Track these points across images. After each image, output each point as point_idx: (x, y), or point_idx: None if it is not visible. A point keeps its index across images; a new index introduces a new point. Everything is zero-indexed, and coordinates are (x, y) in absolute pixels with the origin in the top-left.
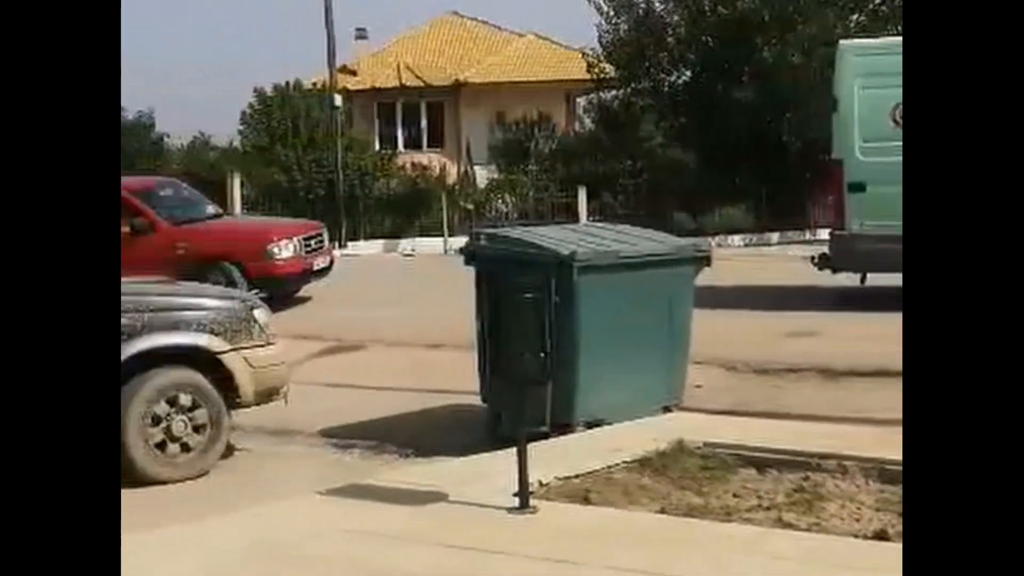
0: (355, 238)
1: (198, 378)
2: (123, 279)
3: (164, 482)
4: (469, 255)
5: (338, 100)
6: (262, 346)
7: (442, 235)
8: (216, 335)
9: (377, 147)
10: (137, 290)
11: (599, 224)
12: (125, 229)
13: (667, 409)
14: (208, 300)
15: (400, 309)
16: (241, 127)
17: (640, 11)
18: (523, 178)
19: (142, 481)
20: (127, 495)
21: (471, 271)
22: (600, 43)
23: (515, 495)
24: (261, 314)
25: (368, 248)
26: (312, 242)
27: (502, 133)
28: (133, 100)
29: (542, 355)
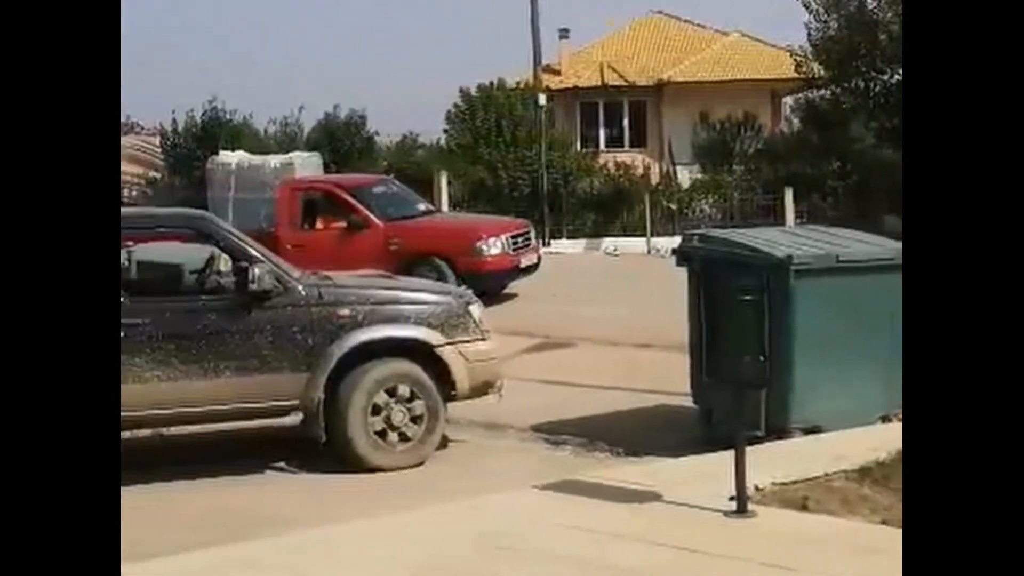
0: (558, 236)
1: (416, 370)
2: (345, 273)
3: (383, 469)
4: (682, 256)
5: (543, 99)
6: (477, 341)
7: (644, 235)
8: (433, 329)
9: (579, 146)
10: (359, 283)
11: (810, 226)
12: (342, 225)
13: (886, 419)
14: (426, 295)
15: (607, 308)
16: (446, 126)
17: (852, 8)
18: (727, 178)
19: (362, 467)
20: (350, 480)
21: (676, 271)
22: (809, 41)
23: (731, 498)
24: (476, 310)
25: (570, 247)
26: (519, 240)
27: (705, 133)
28: (345, 100)
29: (761, 358)
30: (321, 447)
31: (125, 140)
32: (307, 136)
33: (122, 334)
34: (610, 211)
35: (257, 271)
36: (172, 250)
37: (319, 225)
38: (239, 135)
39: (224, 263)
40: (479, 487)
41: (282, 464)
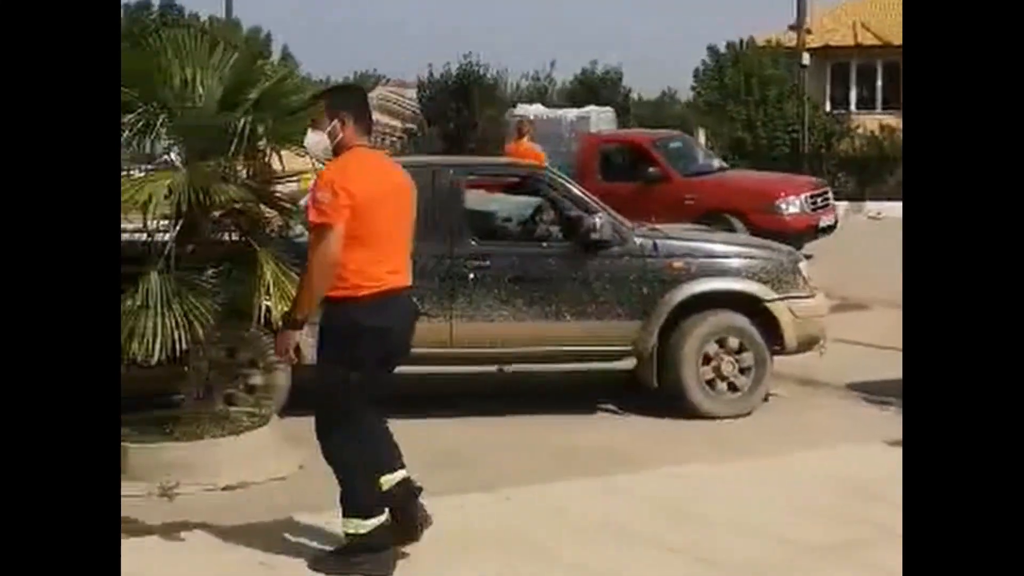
0: None
1: (746, 323)
2: (673, 225)
3: (712, 416)
4: None
5: (807, 58)
6: (805, 297)
7: None
8: (764, 283)
9: (828, 107)
10: (690, 236)
11: None
12: (638, 178)
13: None
14: (756, 250)
15: (890, 270)
16: (693, 84)
17: None
18: None
19: (692, 414)
20: (682, 425)
21: None
22: None
23: None
24: (804, 266)
25: None
26: (818, 199)
27: None
28: (603, 58)
29: None
30: (650, 392)
31: (374, 92)
32: (560, 91)
33: (471, 275)
34: (872, 174)
35: (598, 221)
36: (485, 198)
37: (616, 179)
38: (492, 89)
39: (551, 212)
40: (812, 439)
41: (610, 406)
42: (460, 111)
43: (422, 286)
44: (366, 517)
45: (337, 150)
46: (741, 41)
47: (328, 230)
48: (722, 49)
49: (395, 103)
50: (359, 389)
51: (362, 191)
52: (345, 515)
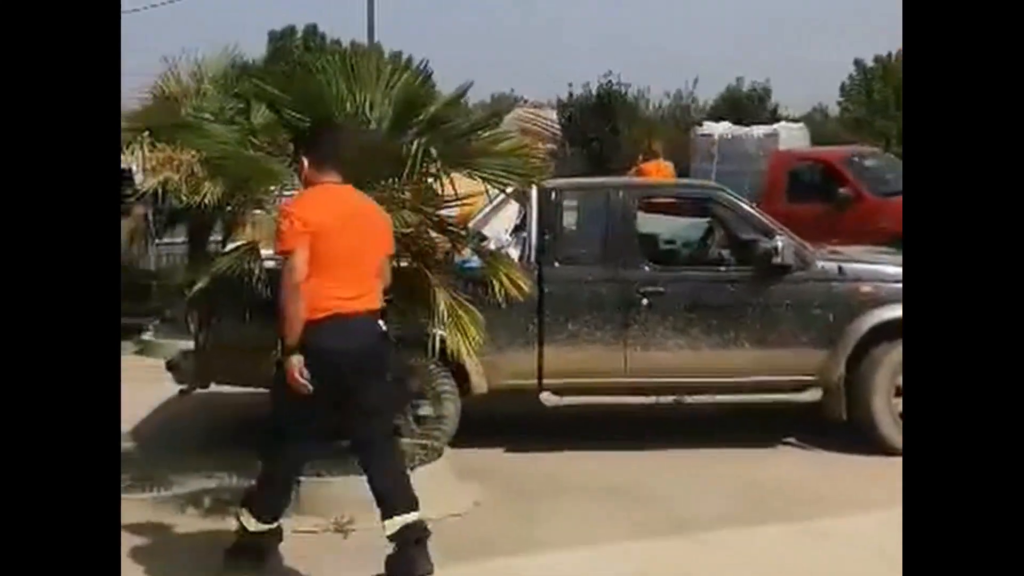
0: None
1: None
2: (857, 248)
3: None
4: None
5: None
6: None
7: None
8: None
9: None
10: (876, 259)
11: None
12: (824, 205)
13: None
14: None
15: None
16: (840, 99)
17: None
18: None
19: (885, 450)
20: (872, 461)
21: None
22: None
23: None
24: None
25: None
26: None
27: None
28: (750, 72)
29: None
30: (836, 426)
31: (511, 114)
32: (702, 108)
33: (644, 301)
34: None
35: (780, 245)
36: (657, 220)
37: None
38: (633, 108)
39: (727, 235)
40: None
41: (792, 440)
42: (603, 131)
43: (595, 312)
44: (258, 517)
45: (305, 185)
46: (889, 54)
47: (290, 256)
48: (869, 63)
49: (533, 123)
50: (295, 418)
51: (316, 219)
52: (243, 505)
